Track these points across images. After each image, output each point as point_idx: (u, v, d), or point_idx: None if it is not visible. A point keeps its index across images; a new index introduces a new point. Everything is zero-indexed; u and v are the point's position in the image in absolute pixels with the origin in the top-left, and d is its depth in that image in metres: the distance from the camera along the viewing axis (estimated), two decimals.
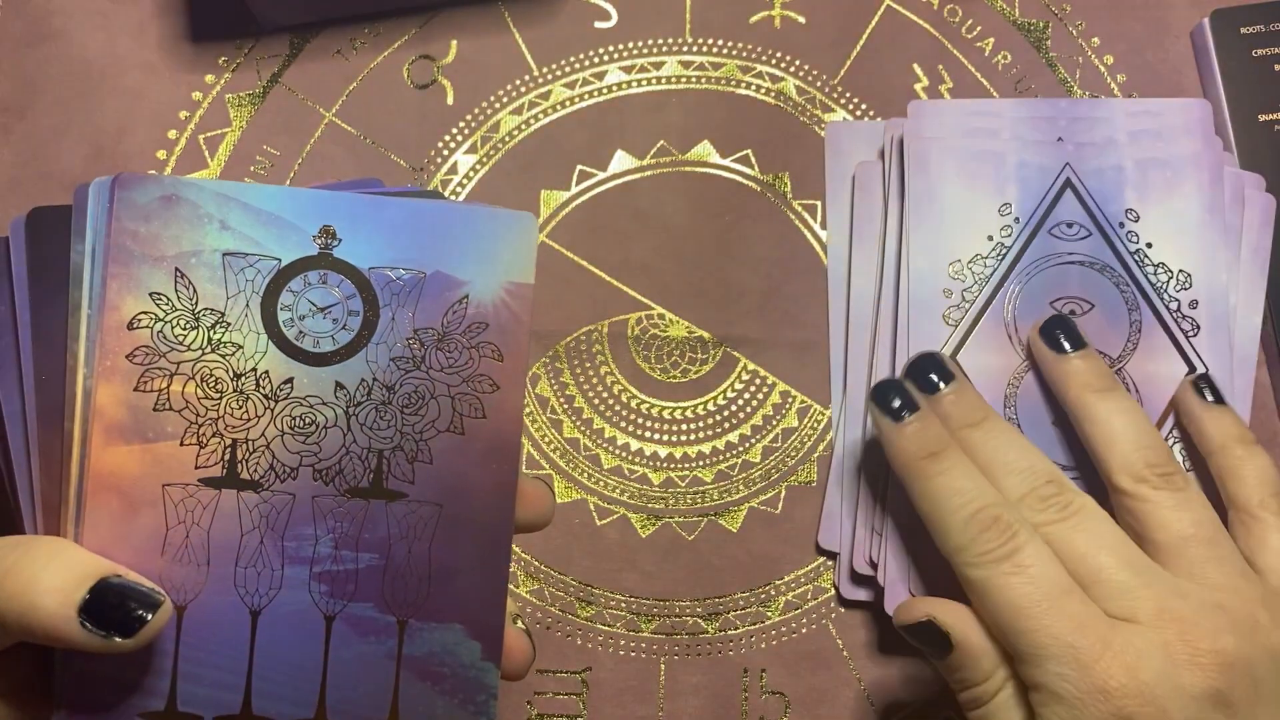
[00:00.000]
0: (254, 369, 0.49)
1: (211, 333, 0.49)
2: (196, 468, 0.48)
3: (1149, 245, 0.66)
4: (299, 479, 0.49)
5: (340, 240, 0.49)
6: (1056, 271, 0.66)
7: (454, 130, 0.72)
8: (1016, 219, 0.66)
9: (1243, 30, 0.71)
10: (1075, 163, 0.67)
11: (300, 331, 0.49)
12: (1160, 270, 0.66)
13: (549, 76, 0.73)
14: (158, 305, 0.48)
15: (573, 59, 0.74)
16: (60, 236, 0.50)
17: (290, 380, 0.49)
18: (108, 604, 0.46)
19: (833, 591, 0.66)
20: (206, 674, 0.49)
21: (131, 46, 0.73)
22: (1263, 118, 0.70)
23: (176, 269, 0.48)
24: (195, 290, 0.49)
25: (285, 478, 0.49)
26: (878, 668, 0.66)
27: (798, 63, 0.73)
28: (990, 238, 0.66)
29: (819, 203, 0.71)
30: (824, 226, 0.71)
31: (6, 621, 0.46)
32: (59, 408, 0.49)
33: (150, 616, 0.46)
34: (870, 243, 0.69)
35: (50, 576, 0.46)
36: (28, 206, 0.67)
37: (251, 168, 0.71)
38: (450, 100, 0.73)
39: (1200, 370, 0.64)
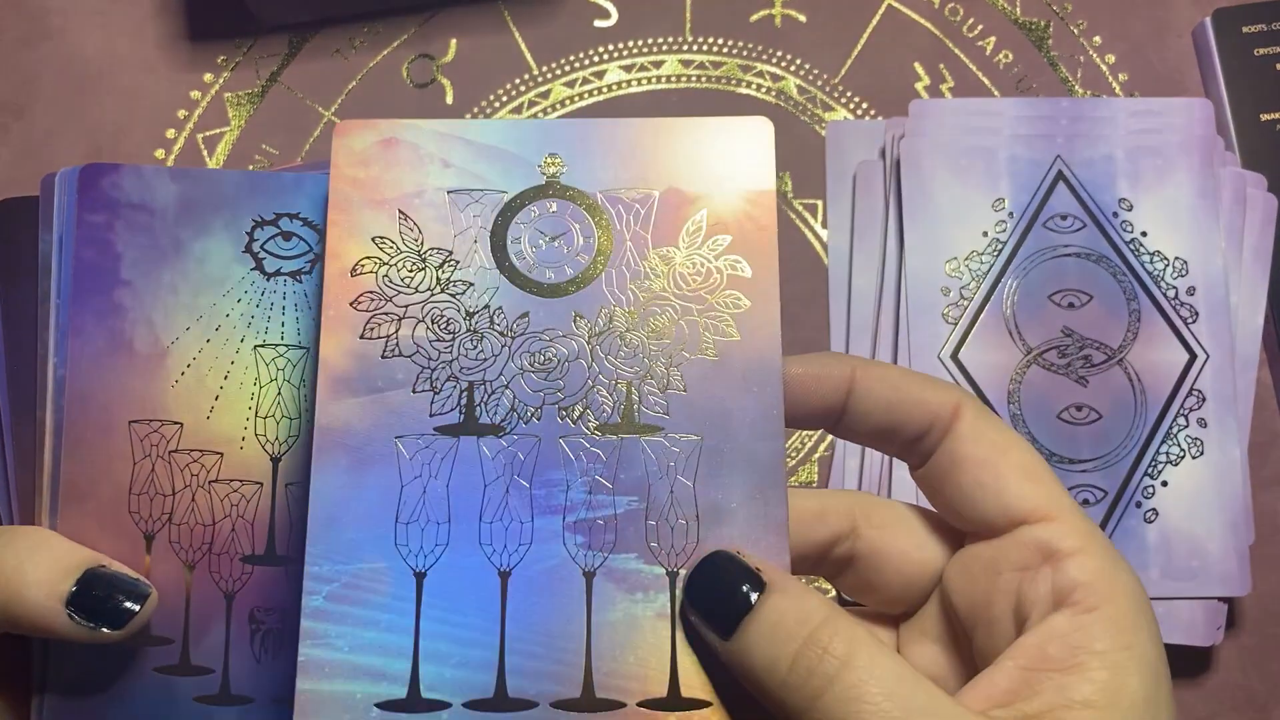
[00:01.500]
0: (487, 306, 0.46)
1: (440, 272, 0.46)
2: (431, 415, 0.45)
3: (1144, 234, 0.66)
4: (543, 419, 0.45)
5: (566, 167, 0.47)
6: (1053, 264, 0.66)
7: None
8: (1011, 214, 0.66)
9: (1244, 29, 0.71)
10: (1066, 154, 0.67)
11: (533, 263, 0.47)
12: (1156, 258, 0.65)
13: (548, 76, 0.73)
14: (381, 249, 0.46)
15: (572, 58, 0.74)
16: (28, 227, 0.50)
17: (526, 314, 0.46)
18: (95, 595, 0.46)
19: (833, 591, 0.66)
20: (452, 651, 0.43)
21: (130, 45, 0.73)
22: (1264, 117, 0.70)
23: (400, 211, 0.46)
24: (420, 230, 0.46)
25: (528, 419, 0.45)
26: None
27: (798, 62, 0.73)
28: (985, 234, 0.66)
29: (819, 202, 0.71)
30: (824, 226, 0.71)
31: None
32: (31, 398, 0.49)
33: (138, 608, 0.46)
34: (871, 242, 0.69)
35: (35, 568, 0.46)
36: None
37: (250, 167, 0.71)
38: (449, 99, 0.73)
39: (1201, 357, 0.64)
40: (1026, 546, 0.42)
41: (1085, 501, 0.63)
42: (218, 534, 0.49)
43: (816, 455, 0.68)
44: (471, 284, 0.46)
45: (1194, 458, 0.63)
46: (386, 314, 0.46)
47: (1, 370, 0.50)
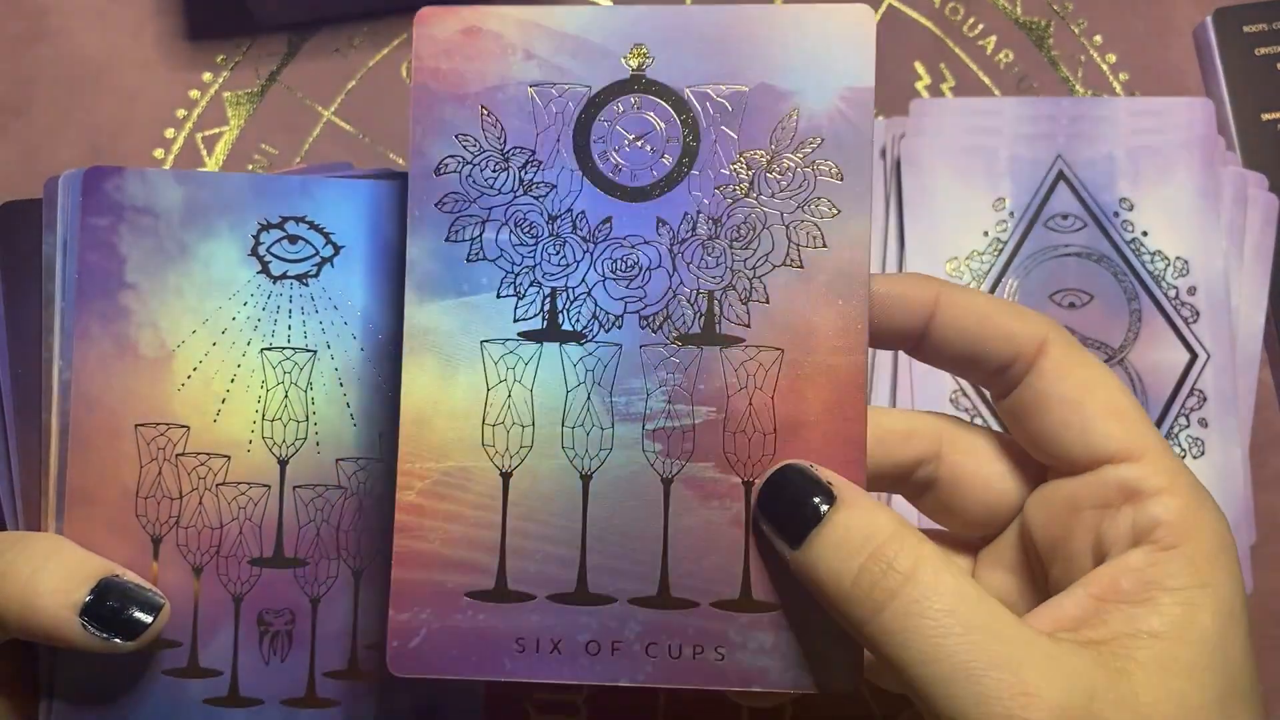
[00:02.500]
0: (569, 210, 0.45)
1: (522, 173, 0.45)
2: (515, 321, 0.45)
3: (1145, 233, 0.66)
4: (624, 327, 0.45)
5: (653, 59, 0.46)
6: (1054, 264, 0.66)
7: None
8: (1011, 213, 0.66)
9: (1245, 29, 0.71)
10: (1067, 154, 0.67)
11: (616, 165, 0.45)
12: (1157, 258, 0.65)
13: None
14: (464, 147, 0.45)
15: None
16: (31, 230, 0.50)
17: (609, 219, 0.45)
18: (109, 606, 0.46)
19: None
20: (537, 548, 0.45)
21: (129, 45, 0.73)
22: (1265, 117, 0.70)
23: (482, 106, 0.45)
24: (503, 128, 0.45)
25: (610, 327, 0.45)
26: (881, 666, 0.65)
27: None
28: (986, 233, 0.66)
29: None
30: None
31: (7, 622, 0.46)
32: (36, 402, 0.49)
33: (151, 619, 0.47)
34: (872, 242, 0.69)
35: (49, 577, 0.46)
36: None
37: (250, 166, 0.71)
38: None
39: (1203, 356, 0.64)
40: (1110, 485, 0.42)
41: None
42: (225, 537, 0.49)
43: None
44: (554, 186, 0.46)
45: (1195, 458, 0.63)
46: (470, 216, 0.45)
47: (5, 374, 0.49)
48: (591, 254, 0.45)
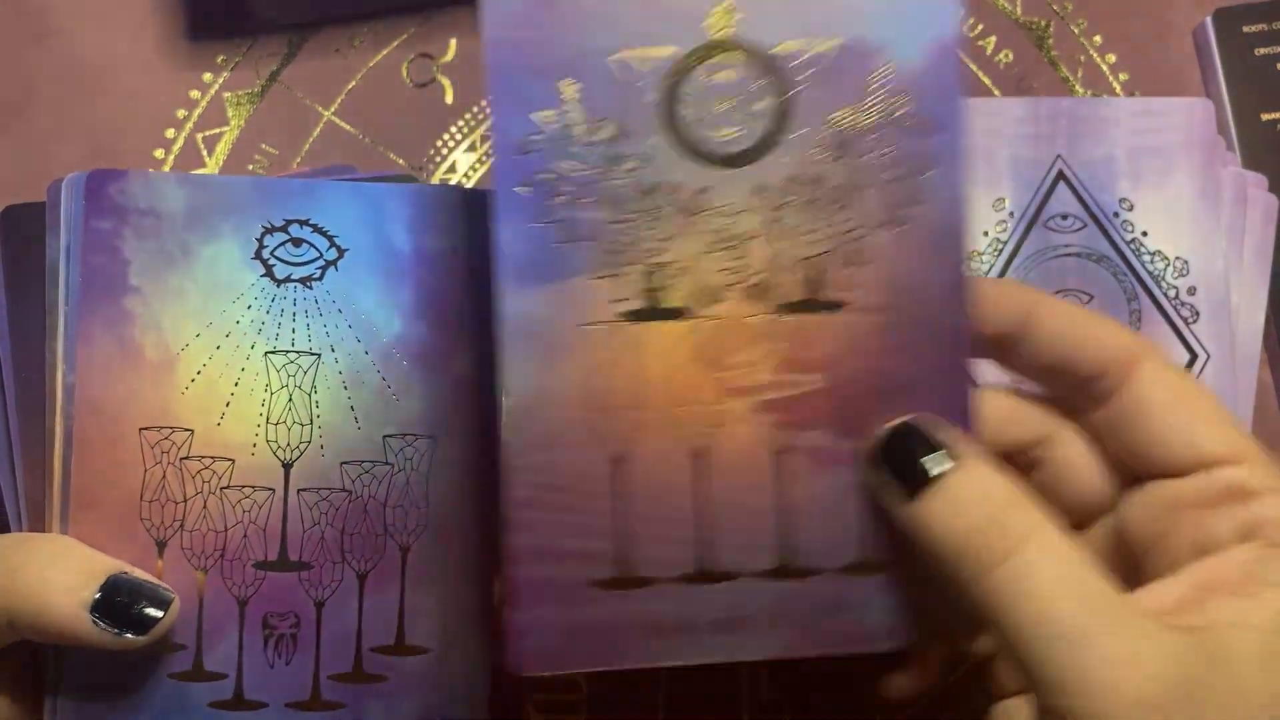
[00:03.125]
0: (663, 182, 0.44)
1: (610, 147, 0.44)
2: (613, 302, 0.44)
3: (1144, 233, 0.66)
4: (726, 300, 0.44)
5: (738, 18, 0.44)
6: (1054, 264, 0.66)
7: (453, 128, 0.72)
8: (1011, 213, 0.66)
9: (1245, 29, 0.71)
10: (1067, 154, 0.67)
11: (707, 132, 0.44)
12: (1157, 258, 0.65)
13: None
14: (547, 123, 0.44)
15: None
16: (35, 233, 0.50)
17: (705, 189, 0.44)
18: (119, 602, 0.46)
19: None
20: (652, 530, 0.44)
21: (129, 45, 0.73)
22: (1265, 117, 0.70)
23: (564, 79, 0.43)
24: (587, 99, 0.44)
25: (711, 301, 0.44)
26: (879, 666, 0.65)
27: None
28: (986, 234, 0.66)
29: None
30: None
31: (19, 622, 0.46)
32: (41, 406, 0.49)
33: (162, 614, 0.47)
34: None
35: (59, 575, 0.46)
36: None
37: (250, 166, 0.71)
38: (449, 99, 0.73)
39: (1202, 357, 0.64)
40: (1216, 486, 0.43)
41: None
42: (230, 540, 0.49)
43: None
44: (643, 158, 0.44)
45: None
46: (561, 194, 0.44)
47: (10, 378, 0.50)
48: (687, 226, 0.44)
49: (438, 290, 0.51)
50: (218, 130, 0.72)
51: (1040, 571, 0.39)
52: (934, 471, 0.42)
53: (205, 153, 0.71)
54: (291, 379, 0.50)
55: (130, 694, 0.48)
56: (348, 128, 0.72)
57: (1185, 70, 0.73)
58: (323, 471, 0.50)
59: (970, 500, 0.41)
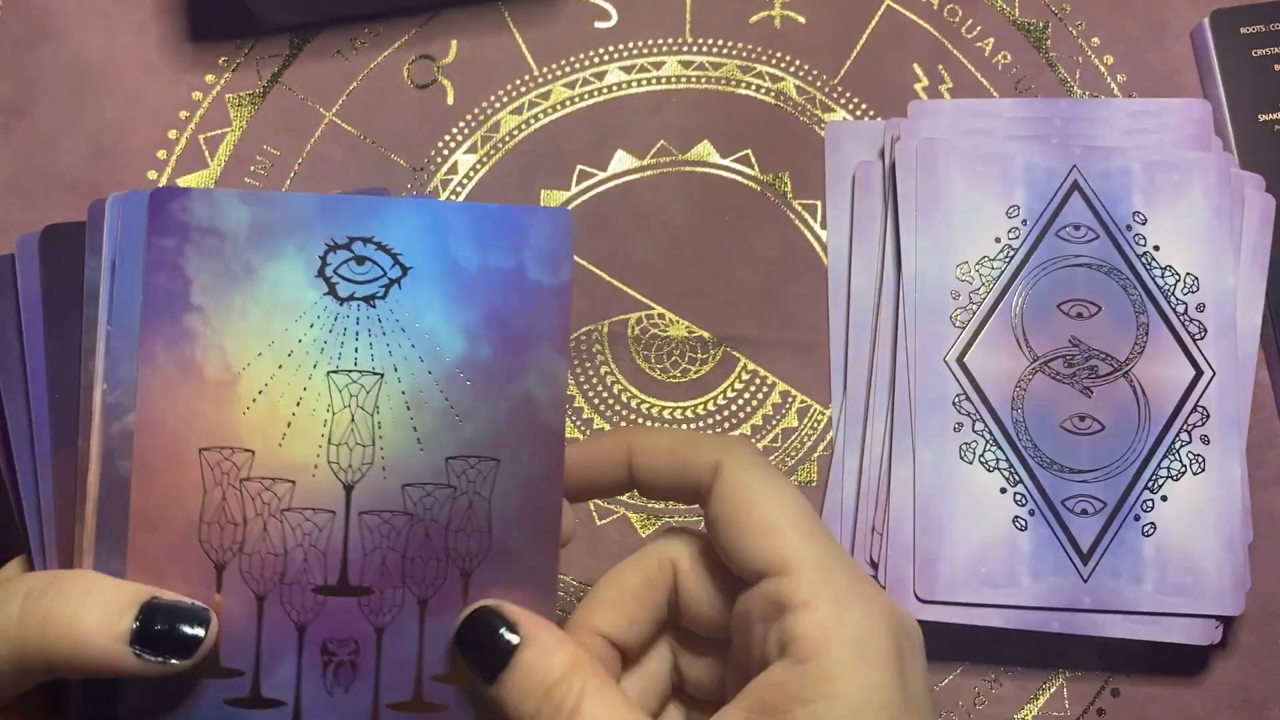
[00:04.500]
0: None
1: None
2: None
3: (1156, 248, 0.66)
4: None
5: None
6: (1064, 274, 0.66)
7: (454, 130, 0.72)
8: (1024, 221, 0.67)
9: (1242, 30, 0.71)
10: (1083, 165, 0.67)
11: None
12: (1168, 273, 0.66)
13: (549, 76, 0.73)
14: None
15: (573, 59, 0.74)
16: (71, 253, 0.49)
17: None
18: (158, 629, 0.46)
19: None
20: None
21: (132, 46, 0.73)
22: (1262, 117, 0.70)
23: None
24: None
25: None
26: None
27: (797, 63, 0.73)
28: (998, 240, 0.66)
29: (819, 203, 0.71)
30: (824, 226, 0.71)
31: (56, 664, 0.45)
32: (73, 426, 0.49)
33: (203, 633, 0.46)
34: (870, 243, 0.69)
35: (91, 614, 0.45)
36: (28, 206, 0.67)
37: (251, 168, 0.71)
38: (450, 100, 0.73)
39: (1208, 374, 0.65)
40: (766, 598, 0.45)
41: (1084, 512, 0.64)
42: (290, 564, 0.48)
43: (816, 455, 0.68)
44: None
45: (1195, 474, 0.64)
46: None
47: (42, 400, 0.49)
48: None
49: (502, 310, 0.50)
50: (220, 131, 0.72)
51: None
52: (505, 656, 0.46)
53: (207, 154, 0.71)
54: (354, 399, 0.49)
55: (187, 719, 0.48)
56: (349, 129, 0.72)
57: (1183, 71, 0.73)
58: (385, 494, 0.49)
59: (534, 679, 0.45)
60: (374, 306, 0.49)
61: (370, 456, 0.49)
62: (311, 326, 0.49)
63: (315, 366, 0.49)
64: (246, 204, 0.49)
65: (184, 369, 0.48)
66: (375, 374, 0.49)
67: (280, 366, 0.49)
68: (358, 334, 0.49)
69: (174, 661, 0.46)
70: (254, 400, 0.48)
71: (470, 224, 0.50)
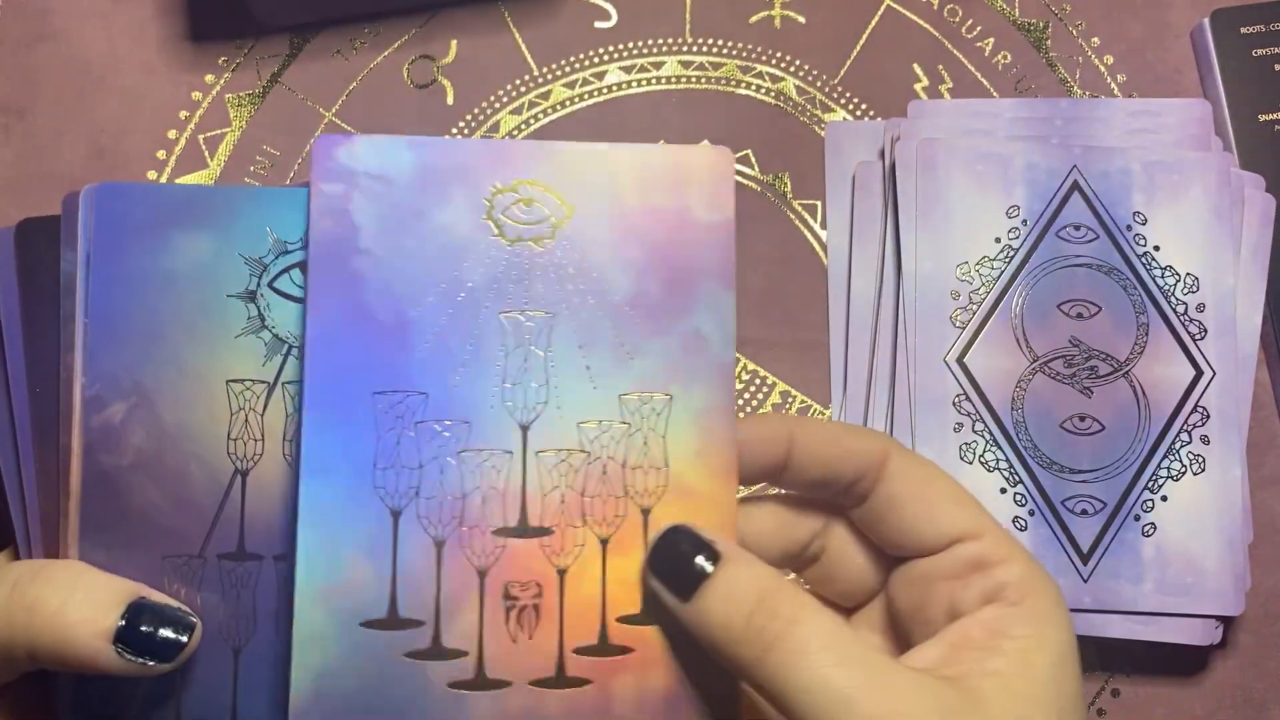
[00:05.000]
0: None
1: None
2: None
3: (1156, 248, 0.66)
4: None
5: None
6: (1064, 274, 0.66)
7: (454, 130, 0.72)
8: (1024, 221, 0.67)
9: (1243, 30, 0.71)
10: (1083, 165, 0.67)
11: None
12: (1168, 273, 0.66)
13: (549, 76, 0.73)
14: None
15: (573, 59, 0.74)
16: (49, 247, 0.49)
17: None
18: (142, 631, 0.46)
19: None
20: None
21: (131, 46, 0.73)
22: (1263, 118, 0.70)
23: None
24: None
25: None
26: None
27: (798, 63, 0.73)
28: (998, 240, 0.66)
29: (819, 203, 0.71)
30: (824, 226, 0.71)
31: (40, 654, 0.45)
32: (54, 420, 0.48)
33: (186, 639, 0.47)
34: (870, 243, 0.69)
35: (78, 606, 0.46)
36: (27, 206, 0.67)
37: (251, 168, 0.71)
38: (450, 100, 0.73)
39: (1208, 374, 0.65)
40: (960, 560, 0.49)
41: (1084, 512, 0.64)
42: (468, 506, 0.48)
43: None
44: None
45: (1195, 474, 0.64)
46: None
47: (22, 393, 0.49)
48: None
49: (668, 248, 0.50)
50: (219, 131, 0.72)
51: (810, 644, 0.43)
52: (704, 570, 0.46)
53: (207, 154, 0.71)
54: (526, 339, 0.49)
55: (366, 676, 0.47)
56: (349, 129, 0.72)
57: (1183, 71, 0.73)
58: (560, 432, 0.49)
59: (741, 592, 0.45)
60: (542, 247, 0.50)
61: (544, 395, 0.49)
62: (482, 269, 0.49)
63: (486, 307, 0.49)
64: (413, 149, 0.50)
65: (354, 313, 0.48)
66: (546, 313, 0.49)
67: (451, 309, 0.49)
68: (527, 275, 0.50)
69: (151, 664, 0.46)
70: (426, 343, 0.49)
71: (633, 165, 0.51)
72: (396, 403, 0.48)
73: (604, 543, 0.49)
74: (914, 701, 0.43)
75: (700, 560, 0.46)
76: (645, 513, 0.49)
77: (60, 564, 0.48)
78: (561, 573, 0.48)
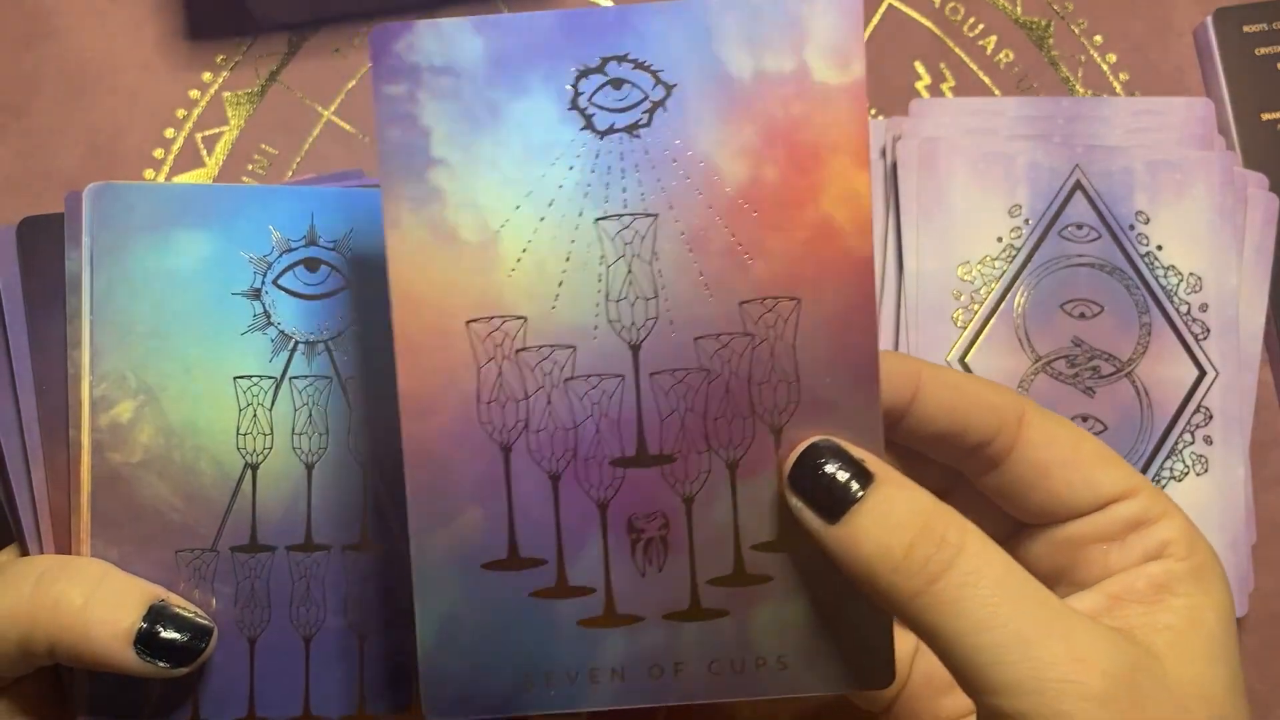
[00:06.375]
0: None
1: None
2: None
3: (1159, 247, 0.66)
4: None
5: None
6: (1066, 273, 0.66)
7: None
8: (1026, 220, 0.66)
9: (1245, 29, 0.71)
10: (1085, 164, 0.67)
11: None
12: (1170, 273, 0.65)
13: None
14: None
15: None
16: (52, 245, 0.49)
17: None
18: (161, 635, 0.46)
19: None
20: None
21: (129, 45, 0.72)
22: (1265, 116, 0.70)
23: None
24: None
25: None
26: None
27: None
28: (1000, 239, 0.66)
29: None
30: None
31: (59, 650, 0.46)
32: (61, 416, 0.49)
33: (204, 645, 0.47)
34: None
35: (100, 605, 0.46)
36: (25, 206, 0.67)
37: (250, 166, 0.71)
38: None
39: (1211, 374, 0.64)
40: (1118, 520, 0.46)
41: None
42: (581, 437, 0.45)
43: None
44: None
45: (1198, 474, 0.64)
46: None
47: (29, 391, 0.49)
48: None
49: (787, 122, 0.44)
50: (217, 130, 0.72)
51: (984, 578, 0.40)
52: (855, 491, 0.42)
53: (205, 152, 0.71)
54: (629, 246, 0.44)
55: (492, 618, 0.45)
56: (347, 127, 0.72)
57: (1186, 70, 0.73)
58: (675, 350, 0.44)
59: (900, 515, 0.41)
60: (638, 137, 0.44)
61: (654, 310, 0.44)
62: (571, 168, 0.44)
63: (581, 214, 0.44)
64: (480, 32, 0.43)
65: (435, 232, 0.44)
66: (649, 215, 0.44)
67: (542, 218, 0.44)
68: (624, 171, 0.44)
69: (165, 666, 0.46)
70: (518, 260, 0.44)
71: (739, 23, 0.44)
72: (493, 330, 0.44)
73: (731, 467, 0.45)
74: (1095, 649, 0.40)
75: (850, 478, 0.42)
76: (776, 432, 0.44)
77: (84, 561, 0.48)
78: (688, 501, 0.45)
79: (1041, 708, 0.38)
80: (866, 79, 0.44)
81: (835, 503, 0.42)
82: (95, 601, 0.46)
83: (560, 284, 0.44)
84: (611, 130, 0.44)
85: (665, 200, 0.44)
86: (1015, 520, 0.49)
